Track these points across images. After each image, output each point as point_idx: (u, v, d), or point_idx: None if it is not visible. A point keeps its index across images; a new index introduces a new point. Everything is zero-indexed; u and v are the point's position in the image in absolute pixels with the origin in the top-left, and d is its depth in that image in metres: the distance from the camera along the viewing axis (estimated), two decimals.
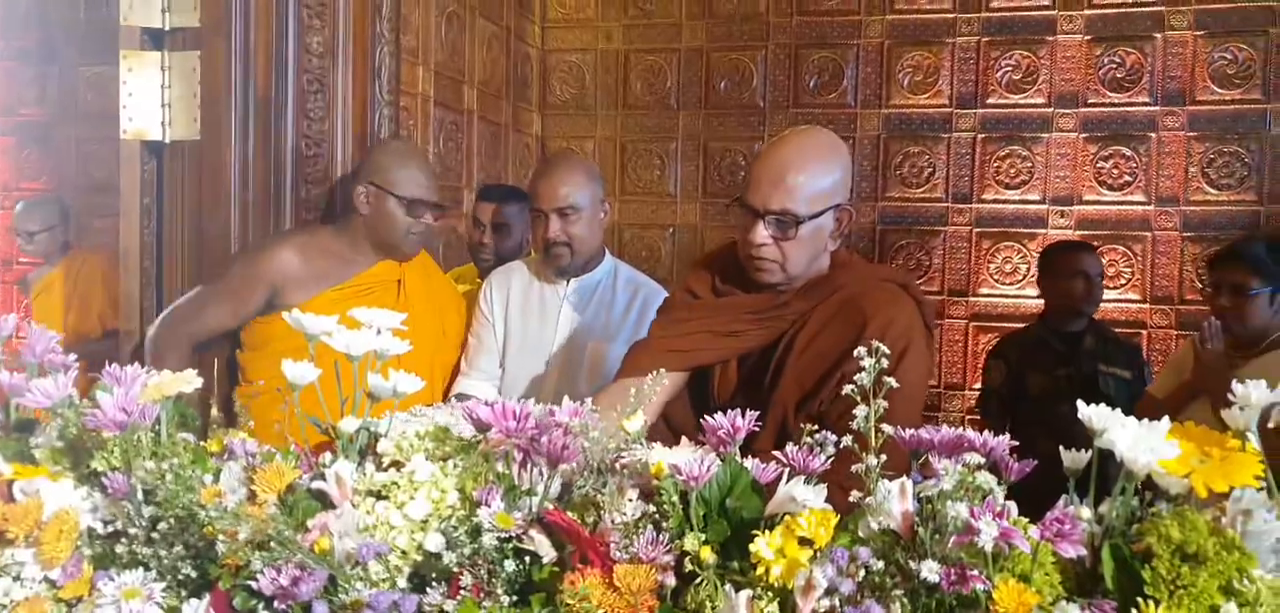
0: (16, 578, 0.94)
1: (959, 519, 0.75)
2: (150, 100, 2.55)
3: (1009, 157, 3.74)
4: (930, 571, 0.76)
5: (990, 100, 3.75)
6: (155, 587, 0.91)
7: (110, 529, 0.98)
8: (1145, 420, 0.85)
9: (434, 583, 0.90)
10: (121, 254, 2.57)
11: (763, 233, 1.62)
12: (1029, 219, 3.73)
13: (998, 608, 0.79)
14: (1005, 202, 3.75)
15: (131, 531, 0.94)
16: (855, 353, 1.59)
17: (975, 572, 0.78)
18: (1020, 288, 3.76)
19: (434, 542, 0.93)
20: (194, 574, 0.93)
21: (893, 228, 3.89)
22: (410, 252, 2.34)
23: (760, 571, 0.84)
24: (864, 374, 0.95)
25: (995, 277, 3.79)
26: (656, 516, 0.90)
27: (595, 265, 2.37)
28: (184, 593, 0.93)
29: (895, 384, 0.95)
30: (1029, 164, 3.72)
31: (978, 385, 3.81)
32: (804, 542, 0.84)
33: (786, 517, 0.86)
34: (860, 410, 0.94)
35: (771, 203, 1.61)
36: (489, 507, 0.91)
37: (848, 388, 0.96)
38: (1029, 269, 3.73)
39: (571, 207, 2.26)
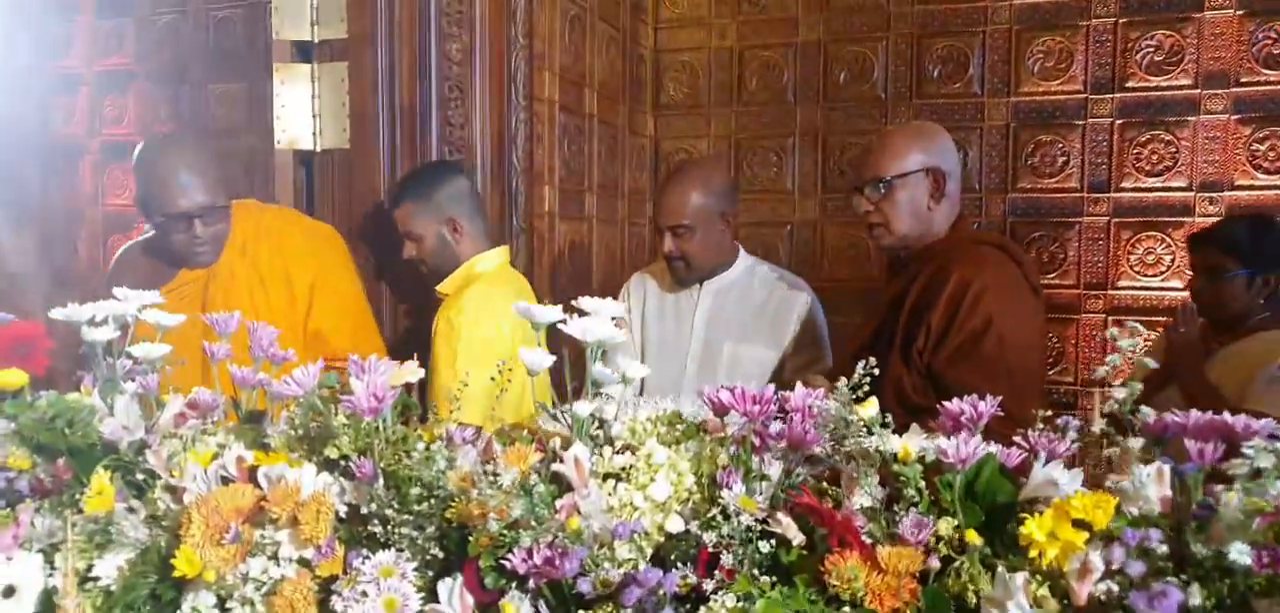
0: (273, 557, 0.97)
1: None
2: (301, 111, 2.66)
3: (1150, 142, 3.57)
4: (1240, 553, 0.72)
5: (1129, 83, 3.58)
6: (407, 565, 0.93)
7: (353, 512, 1.01)
8: None
9: (676, 564, 0.90)
10: None
11: (862, 202, 2.01)
12: (1173, 207, 3.55)
13: None
14: (1147, 190, 3.58)
15: (387, 513, 0.96)
16: (943, 307, 1.83)
17: None
18: (1164, 279, 3.58)
19: (675, 523, 0.93)
20: (440, 554, 0.95)
21: (1024, 220, 3.75)
22: (206, 262, 2.17)
23: (1033, 553, 0.81)
24: (1119, 350, 0.91)
25: (1136, 269, 3.62)
26: (914, 499, 0.88)
27: (727, 266, 2.36)
28: (429, 573, 0.96)
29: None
30: (1173, 149, 3.54)
31: (1120, 385, 3.65)
32: (1079, 524, 0.80)
33: (1055, 500, 0.83)
34: (1119, 391, 0.90)
35: (864, 173, 2.02)
36: (731, 489, 0.91)
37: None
38: (1174, 259, 3.55)
39: (684, 225, 2.26)
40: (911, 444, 0.94)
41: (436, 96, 2.65)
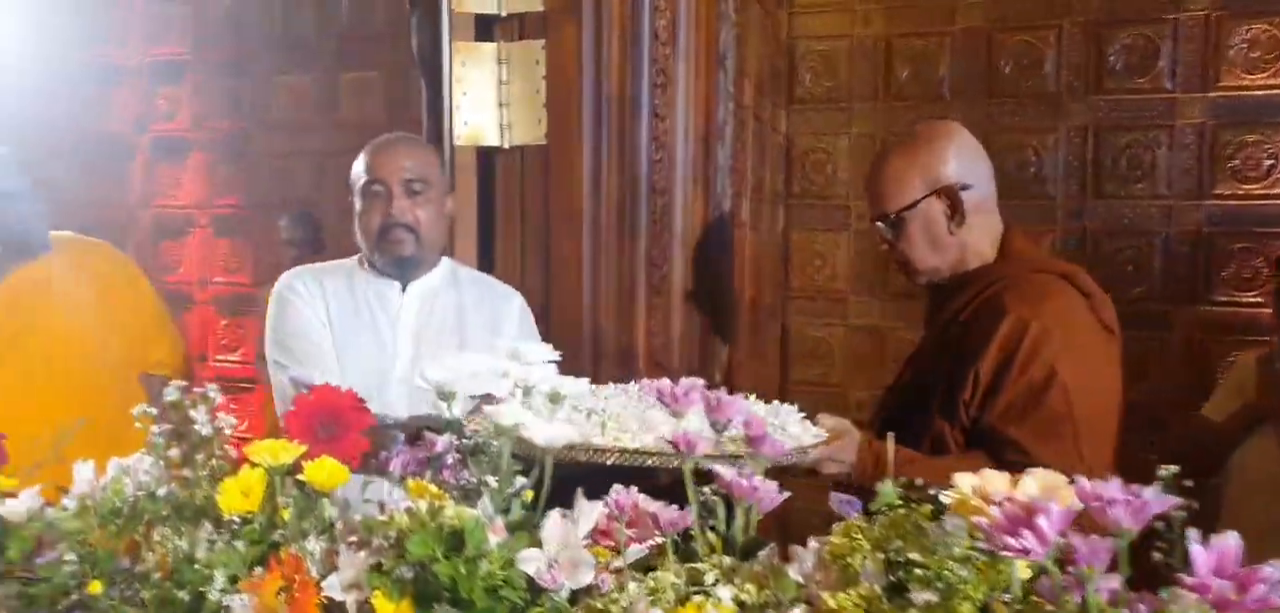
0: None
1: None
2: (485, 99, 2.17)
3: None
4: None
5: None
6: None
7: None
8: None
9: None
10: None
11: (881, 241, 1.76)
12: None
13: None
14: None
15: None
16: (995, 353, 1.59)
17: None
18: None
19: None
20: None
21: (1222, 231, 3.37)
22: None
23: None
24: None
25: None
26: None
27: (434, 266, 1.93)
28: None
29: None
30: None
31: None
32: None
33: None
34: None
35: (872, 212, 1.75)
36: None
37: None
38: None
39: (420, 180, 1.83)
40: None
41: (647, 82, 2.17)
